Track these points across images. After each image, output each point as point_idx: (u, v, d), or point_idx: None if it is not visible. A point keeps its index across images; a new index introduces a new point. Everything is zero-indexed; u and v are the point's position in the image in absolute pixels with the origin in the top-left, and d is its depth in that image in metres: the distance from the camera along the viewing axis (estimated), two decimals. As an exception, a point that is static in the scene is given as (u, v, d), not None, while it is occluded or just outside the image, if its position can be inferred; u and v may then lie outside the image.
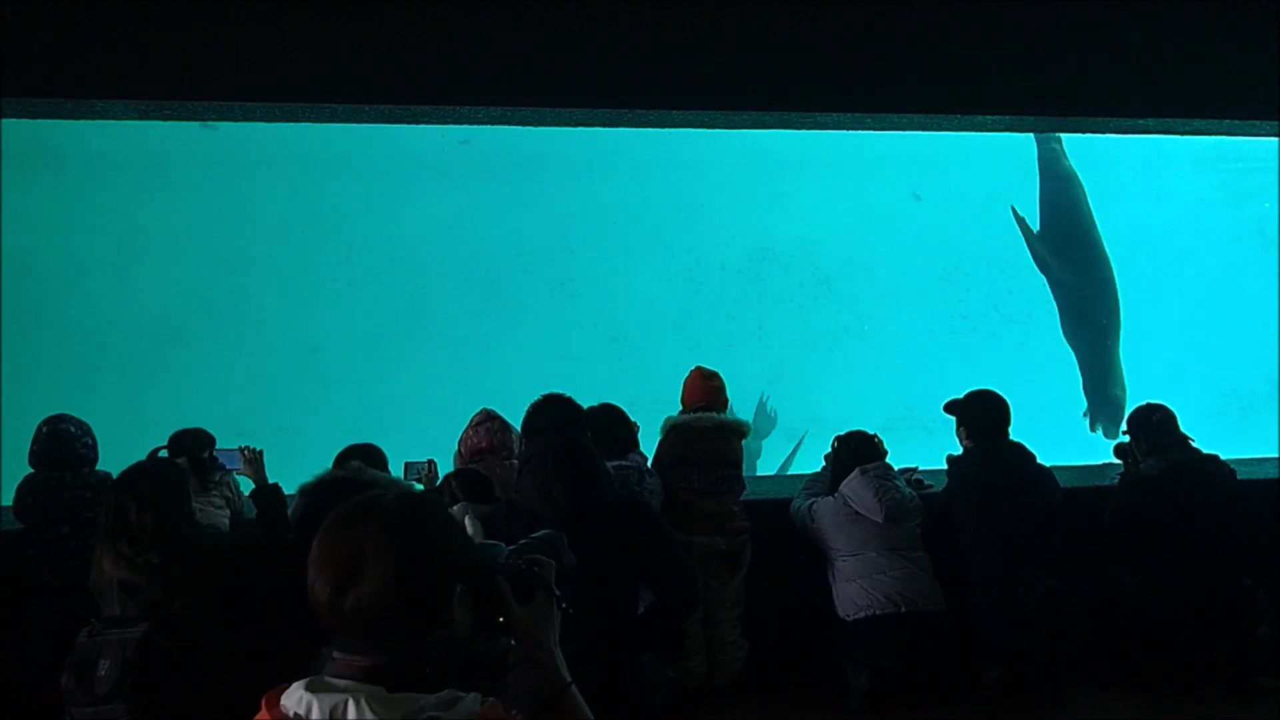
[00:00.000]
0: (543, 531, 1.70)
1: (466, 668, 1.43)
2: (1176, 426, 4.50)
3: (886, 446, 4.45)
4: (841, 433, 4.49)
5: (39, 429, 3.99)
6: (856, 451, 4.33)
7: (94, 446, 4.04)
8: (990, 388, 4.49)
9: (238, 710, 1.41)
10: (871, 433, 4.45)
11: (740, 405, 4.72)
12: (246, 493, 4.30)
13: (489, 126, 5.11)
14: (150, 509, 3.34)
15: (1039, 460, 4.37)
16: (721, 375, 4.57)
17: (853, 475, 4.24)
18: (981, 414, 4.40)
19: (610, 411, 4.17)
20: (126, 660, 3.12)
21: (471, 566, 1.44)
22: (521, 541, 1.64)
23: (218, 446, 4.08)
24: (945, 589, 4.14)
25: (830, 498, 4.28)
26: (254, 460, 3.94)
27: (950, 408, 4.50)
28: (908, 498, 4.23)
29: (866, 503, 4.15)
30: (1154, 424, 4.49)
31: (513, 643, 1.48)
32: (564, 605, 1.52)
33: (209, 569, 3.41)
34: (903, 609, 3.99)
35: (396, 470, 4.06)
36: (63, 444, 3.93)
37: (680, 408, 4.52)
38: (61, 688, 3.19)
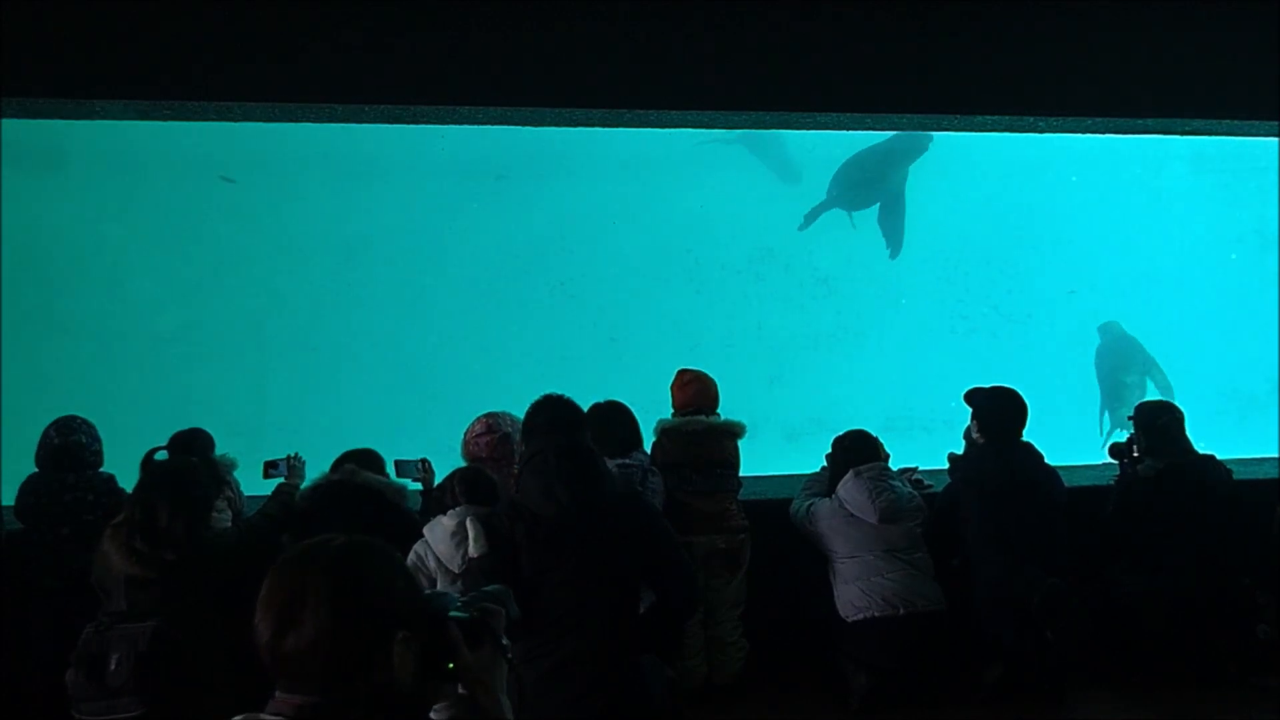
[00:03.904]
0: (492, 586, 1.78)
1: (396, 711, 1.46)
2: (1182, 432, 4.49)
3: (887, 447, 4.44)
4: (841, 433, 4.48)
5: (48, 433, 3.99)
6: (852, 452, 4.31)
7: (100, 451, 4.05)
8: (979, 389, 4.47)
9: (245, 704, 1.43)
10: (869, 432, 4.43)
11: (740, 405, 4.71)
12: (247, 494, 4.33)
13: (490, 127, 5.10)
14: (183, 513, 3.37)
15: (1045, 460, 4.36)
16: (714, 375, 4.55)
17: (847, 477, 4.23)
18: (997, 412, 4.37)
19: (615, 409, 4.16)
20: (140, 654, 3.13)
21: (417, 612, 1.48)
22: (471, 594, 1.71)
23: (266, 458, 4.14)
24: (947, 588, 4.14)
25: (828, 499, 4.28)
26: (297, 468, 4.08)
27: (970, 397, 4.47)
28: (905, 497, 4.21)
29: (860, 504, 4.14)
30: (1158, 428, 4.47)
31: (460, 689, 1.51)
32: (509, 656, 1.59)
33: (219, 568, 3.43)
34: (901, 611, 3.99)
35: (390, 470, 4.08)
36: (72, 454, 3.94)
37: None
38: (67, 685, 3.20)
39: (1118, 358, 11.44)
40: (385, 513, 3.73)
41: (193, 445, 4.12)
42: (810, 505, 4.30)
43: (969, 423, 4.59)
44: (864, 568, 4.08)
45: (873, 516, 4.11)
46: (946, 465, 4.76)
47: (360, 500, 3.73)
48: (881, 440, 4.43)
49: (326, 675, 1.38)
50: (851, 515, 4.16)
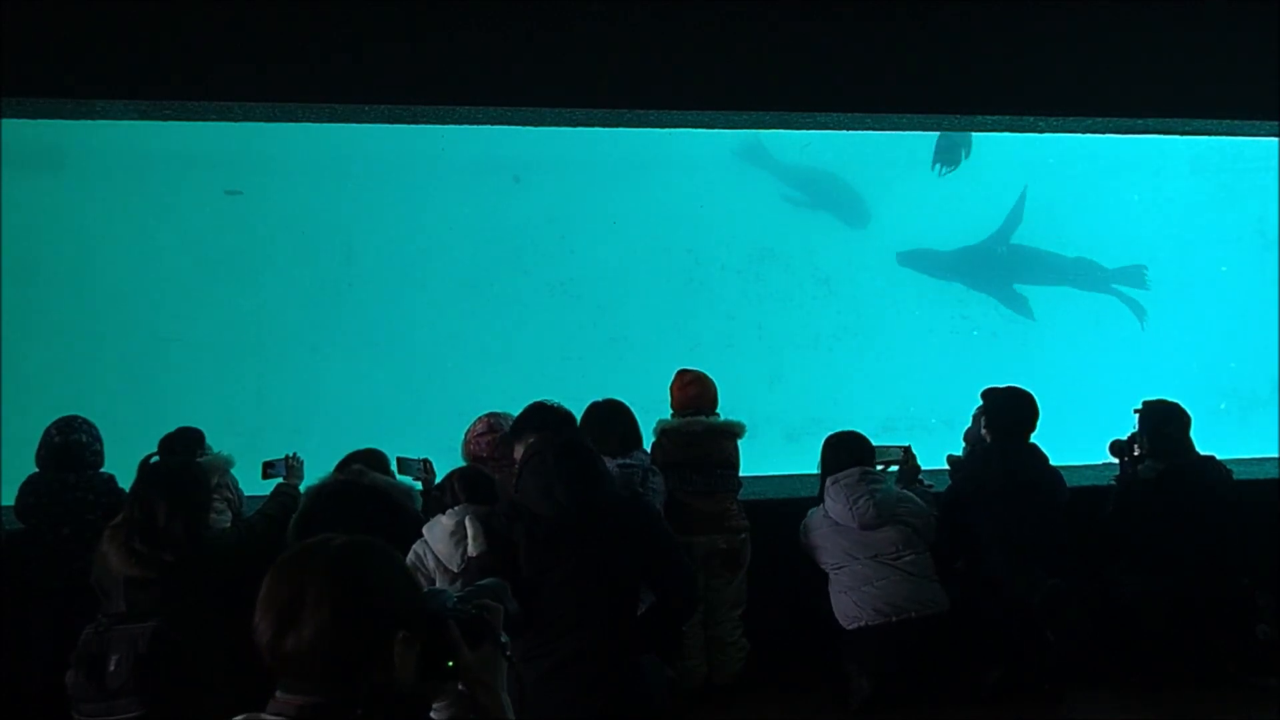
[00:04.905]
0: (488, 580, 1.77)
1: (396, 710, 1.46)
2: (1186, 437, 4.47)
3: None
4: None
5: (49, 432, 3.98)
6: (840, 450, 4.27)
7: (101, 451, 4.05)
8: (996, 388, 4.46)
9: (245, 704, 1.43)
10: (859, 433, 4.37)
11: (740, 405, 4.71)
12: (247, 494, 4.33)
13: (489, 127, 5.11)
14: (182, 514, 3.37)
15: (1049, 462, 4.35)
16: (714, 375, 4.54)
17: (827, 485, 4.21)
18: (1008, 412, 4.36)
19: (614, 408, 4.15)
20: (139, 655, 3.14)
21: (417, 612, 1.48)
22: (468, 589, 1.70)
23: (265, 458, 4.15)
24: (950, 589, 4.12)
25: (818, 509, 4.26)
26: (295, 468, 4.12)
27: (986, 395, 4.45)
28: (890, 500, 4.14)
29: (840, 512, 4.11)
30: (1163, 435, 4.44)
31: (460, 687, 1.51)
32: (509, 654, 1.58)
33: (218, 568, 3.43)
34: (893, 619, 3.96)
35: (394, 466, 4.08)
36: (73, 453, 3.94)
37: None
38: (67, 686, 3.20)
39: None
40: (391, 513, 3.73)
41: (180, 445, 4.12)
42: (804, 520, 4.29)
43: (969, 423, 4.58)
44: (854, 577, 4.06)
45: (853, 523, 4.08)
46: (946, 466, 4.76)
47: (366, 500, 3.73)
48: (867, 438, 4.37)
49: (327, 675, 1.39)
50: (837, 524, 4.13)
